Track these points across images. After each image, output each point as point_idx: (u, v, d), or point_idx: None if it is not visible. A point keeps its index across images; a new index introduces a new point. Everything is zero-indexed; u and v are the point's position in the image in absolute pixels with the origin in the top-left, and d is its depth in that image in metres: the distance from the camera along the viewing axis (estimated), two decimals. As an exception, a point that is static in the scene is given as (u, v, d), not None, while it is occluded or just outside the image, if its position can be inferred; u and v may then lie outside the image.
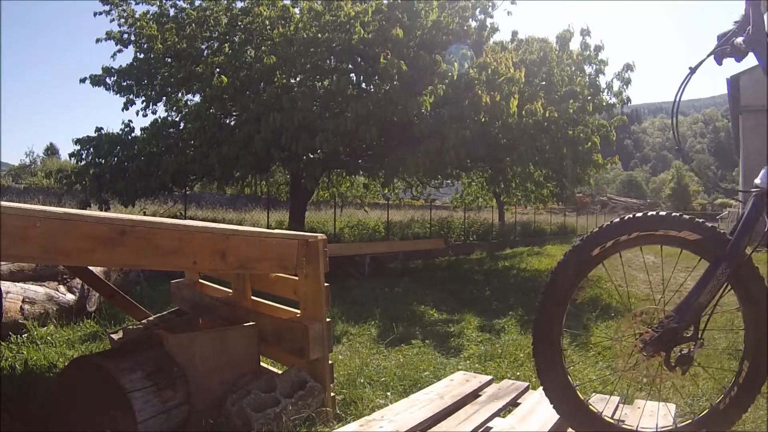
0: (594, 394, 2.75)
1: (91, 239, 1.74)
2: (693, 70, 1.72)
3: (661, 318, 1.63)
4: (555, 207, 24.15)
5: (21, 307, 3.84)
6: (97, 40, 9.39)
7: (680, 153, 1.81)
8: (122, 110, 9.14)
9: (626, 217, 1.66)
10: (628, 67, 9.59)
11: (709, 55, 1.72)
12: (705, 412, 1.73)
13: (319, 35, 8.22)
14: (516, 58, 8.72)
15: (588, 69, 9.88)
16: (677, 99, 1.75)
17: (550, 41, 10.04)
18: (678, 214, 1.65)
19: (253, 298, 3.01)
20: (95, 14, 9.32)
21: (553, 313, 1.68)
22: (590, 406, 1.73)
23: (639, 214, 1.64)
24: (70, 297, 4.31)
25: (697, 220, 1.65)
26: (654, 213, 1.64)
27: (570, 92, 9.03)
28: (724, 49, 1.69)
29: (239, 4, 9.49)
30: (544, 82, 9.40)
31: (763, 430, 2.61)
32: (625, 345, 1.68)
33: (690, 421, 1.75)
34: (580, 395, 1.74)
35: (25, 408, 2.36)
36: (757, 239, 1.60)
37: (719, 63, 1.72)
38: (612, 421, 1.75)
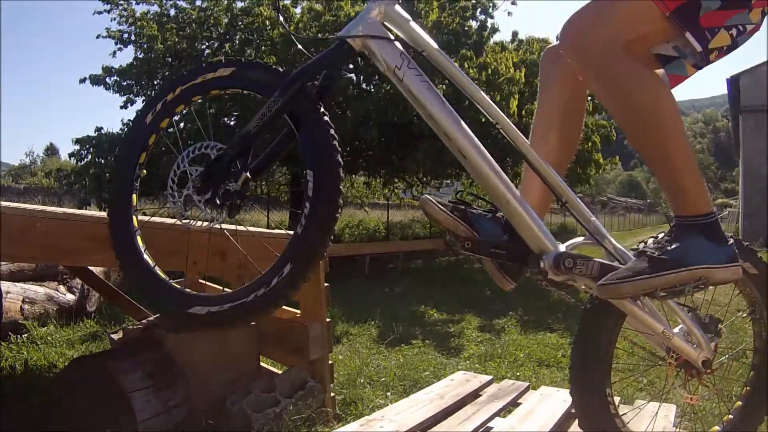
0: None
1: (91, 239, 1.74)
2: None
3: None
4: (555, 207, 24.10)
5: (21, 307, 3.84)
6: (98, 36, 9.41)
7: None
8: (121, 108, 9.15)
9: None
10: (628, 67, 9.58)
11: None
12: None
13: (319, 35, 8.22)
14: (516, 58, 8.73)
15: (588, 69, 9.88)
16: None
17: (551, 41, 10.04)
18: None
19: (253, 298, 3.01)
20: (95, 13, 9.34)
21: None
22: None
23: None
24: (70, 297, 4.31)
25: None
26: None
27: (570, 92, 9.01)
28: None
29: (239, 4, 9.49)
30: (544, 82, 9.40)
31: (763, 430, 2.60)
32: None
33: None
34: None
35: (25, 408, 2.36)
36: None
37: None
38: None
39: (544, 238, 1.23)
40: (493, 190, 1.22)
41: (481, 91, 1.25)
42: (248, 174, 1.23)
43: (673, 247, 1.17)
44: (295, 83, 1.20)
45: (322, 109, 1.21)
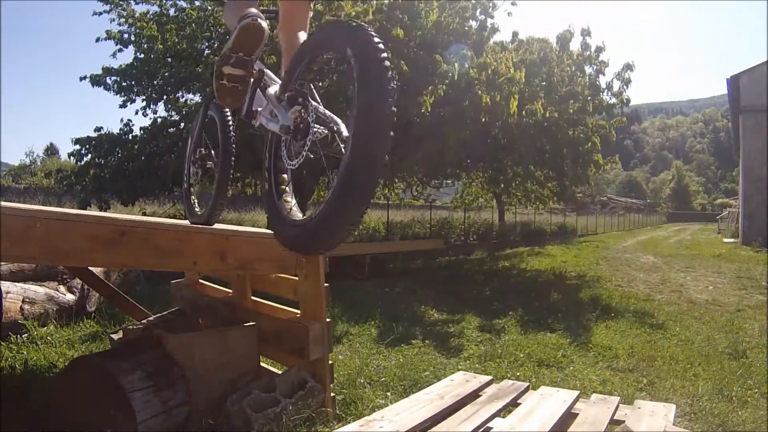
0: (593, 394, 2.75)
1: (91, 239, 1.74)
2: None
3: None
4: (556, 207, 24.14)
5: (21, 307, 3.84)
6: (97, 39, 9.39)
7: None
8: (120, 107, 9.14)
9: None
10: (628, 67, 9.58)
11: None
12: None
13: (319, 35, 8.21)
14: (516, 58, 8.71)
15: (588, 69, 9.88)
16: None
17: (551, 41, 10.03)
18: None
19: (253, 298, 3.01)
20: (95, 13, 9.33)
21: None
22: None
23: None
24: (70, 297, 4.31)
25: None
26: None
27: (570, 92, 9.01)
28: None
29: (239, 4, 9.48)
30: (544, 83, 9.40)
31: (763, 430, 2.61)
32: None
33: None
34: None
35: (25, 408, 2.37)
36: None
37: None
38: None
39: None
40: None
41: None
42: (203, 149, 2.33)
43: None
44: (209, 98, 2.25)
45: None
